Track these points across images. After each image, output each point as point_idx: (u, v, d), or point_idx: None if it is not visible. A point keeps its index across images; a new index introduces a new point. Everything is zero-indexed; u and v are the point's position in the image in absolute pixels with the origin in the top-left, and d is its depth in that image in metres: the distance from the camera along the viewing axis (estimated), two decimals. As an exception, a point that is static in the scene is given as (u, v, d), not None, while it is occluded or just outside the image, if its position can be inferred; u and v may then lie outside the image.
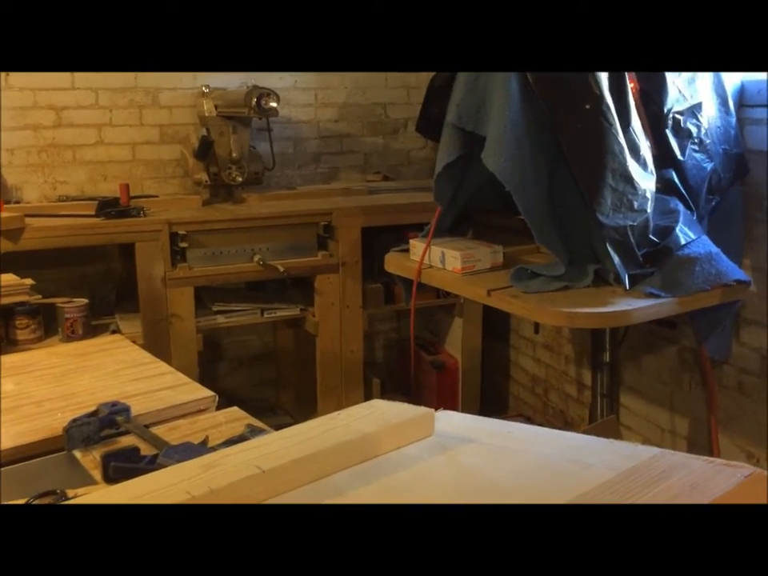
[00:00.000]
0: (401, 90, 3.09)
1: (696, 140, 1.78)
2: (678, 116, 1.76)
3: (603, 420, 2.00)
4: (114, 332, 2.30)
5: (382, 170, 3.10)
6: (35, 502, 0.83)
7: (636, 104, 1.66)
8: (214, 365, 2.92)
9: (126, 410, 1.05)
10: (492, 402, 2.97)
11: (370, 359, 3.08)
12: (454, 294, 2.73)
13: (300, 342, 2.91)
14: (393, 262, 2.10)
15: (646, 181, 1.61)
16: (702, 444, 2.10)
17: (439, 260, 1.90)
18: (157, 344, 2.26)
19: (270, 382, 3.07)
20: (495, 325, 2.95)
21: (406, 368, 2.99)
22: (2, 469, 0.94)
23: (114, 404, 1.05)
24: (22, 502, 0.85)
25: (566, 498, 0.72)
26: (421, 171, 3.17)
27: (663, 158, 1.74)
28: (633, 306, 1.56)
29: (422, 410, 0.96)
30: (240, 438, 0.96)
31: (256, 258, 2.43)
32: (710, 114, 1.80)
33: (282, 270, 2.43)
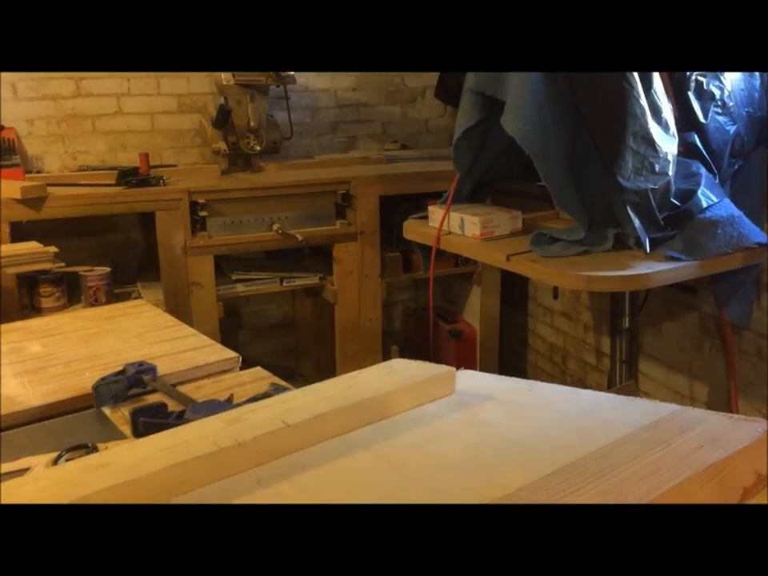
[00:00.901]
0: (418, 58, 3.06)
1: (719, 102, 1.75)
2: (700, 78, 1.73)
3: (622, 386, 2.00)
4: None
5: (400, 139, 3.09)
6: (67, 455, 0.86)
7: (658, 66, 1.64)
8: (234, 334, 2.95)
9: (152, 369, 1.07)
10: (510, 370, 2.99)
11: (388, 329, 3.10)
12: (472, 262, 2.73)
13: (318, 311, 2.93)
14: (411, 229, 2.10)
15: (667, 144, 1.60)
16: (721, 409, 2.10)
17: (458, 226, 1.90)
18: (178, 312, 2.28)
19: (290, 351, 3.10)
20: (513, 293, 2.95)
21: (424, 337, 3.00)
22: (35, 424, 0.97)
23: (140, 364, 1.07)
24: (54, 455, 0.87)
25: (587, 452, 0.73)
26: (439, 140, 3.15)
27: (685, 120, 1.72)
28: (653, 269, 1.55)
29: (443, 368, 0.96)
30: (264, 396, 0.97)
31: (275, 227, 2.44)
32: (733, 77, 1.77)
33: (300, 238, 2.45)
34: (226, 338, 2.66)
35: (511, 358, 3.07)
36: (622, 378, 2.09)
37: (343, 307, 2.60)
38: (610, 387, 2.10)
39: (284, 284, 2.56)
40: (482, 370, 2.94)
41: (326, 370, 2.77)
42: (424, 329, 3.03)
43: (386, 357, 2.80)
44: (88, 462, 0.75)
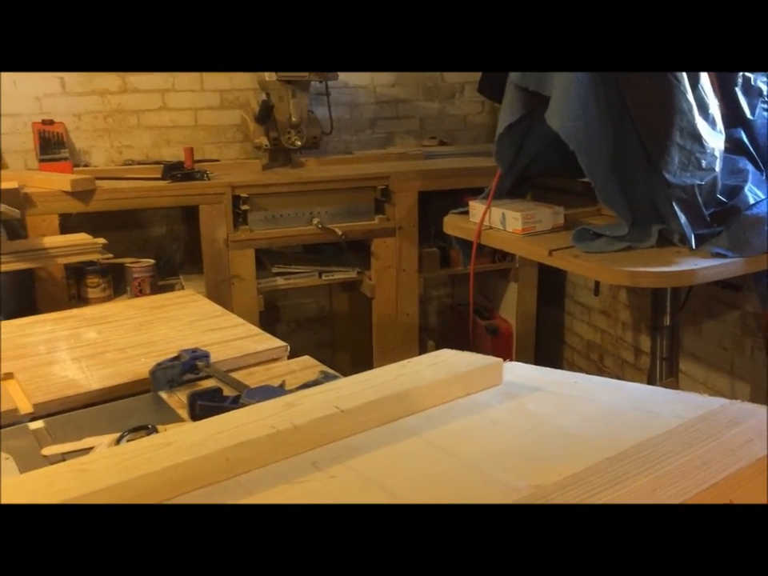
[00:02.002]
0: (458, 54, 3.06)
1: (766, 99, 1.73)
2: (748, 74, 1.72)
3: (663, 382, 1.99)
4: (179, 291, 2.38)
5: (438, 135, 3.10)
6: (129, 436, 0.89)
7: (705, 61, 1.62)
8: (271, 327, 2.99)
9: (205, 355, 1.10)
10: (546, 367, 2.98)
11: (424, 324, 3.11)
12: (509, 259, 2.73)
13: (355, 306, 2.96)
14: (452, 224, 2.11)
15: (714, 139, 1.59)
16: (763, 410, 2.08)
17: (500, 221, 1.90)
18: (220, 304, 2.31)
19: (327, 344, 3.13)
20: (550, 290, 2.94)
21: (460, 332, 3.01)
22: (97, 407, 1.01)
23: (194, 350, 1.11)
24: (116, 435, 0.91)
25: (637, 442, 0.74)
26: (477, 136, 3.16)
27: (732, 116, 1.70)
28: (699, 265, 1.54)
29: (491, 359, 0.98)
30: (314, 383, 0.99)
31: (315, 221, 2.47)
32: (782, 72, 1.75)
33: (340, 233, 2.47)
34: (264, 330, 2.70)
35: (547, 354, 3.06)
36: (662, 375, 2.07)
37: (380, 302, 2.63)
38: (651, 384, 2.08)
39: (323, 278, 2.59)
40: (518, 366, 2.91)
41: (363, 364, 2.79)
42: (460, 325, 3.04)
43: (423, 351, 2.81)
44: (152, 441, 0.77)
